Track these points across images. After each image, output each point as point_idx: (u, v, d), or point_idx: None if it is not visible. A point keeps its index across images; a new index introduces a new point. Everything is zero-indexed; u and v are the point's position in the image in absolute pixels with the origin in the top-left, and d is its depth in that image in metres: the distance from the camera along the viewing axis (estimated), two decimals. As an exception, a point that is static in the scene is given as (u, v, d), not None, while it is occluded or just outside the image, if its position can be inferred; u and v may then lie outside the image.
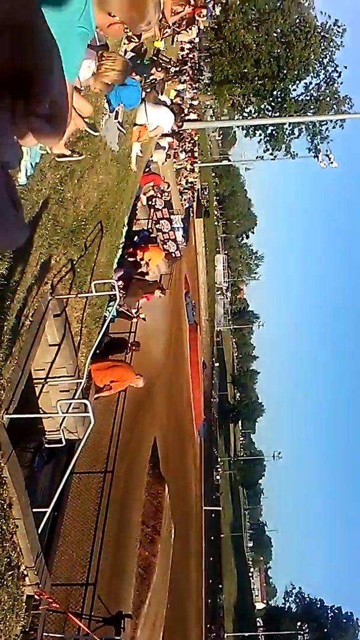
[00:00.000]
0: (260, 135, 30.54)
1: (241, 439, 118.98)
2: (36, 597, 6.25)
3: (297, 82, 29.29)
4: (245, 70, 28.65)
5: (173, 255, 21.31)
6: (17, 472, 5.77)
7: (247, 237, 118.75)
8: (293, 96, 29.36)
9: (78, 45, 2.52)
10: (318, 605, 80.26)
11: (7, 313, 5.28)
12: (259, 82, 29.01)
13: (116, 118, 9.55)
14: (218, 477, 69.85)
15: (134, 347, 11.58)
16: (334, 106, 28.89)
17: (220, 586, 56.02)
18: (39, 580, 6.12)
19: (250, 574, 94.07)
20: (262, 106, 30.23)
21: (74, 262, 7.69)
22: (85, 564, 10.71)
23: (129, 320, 12.77)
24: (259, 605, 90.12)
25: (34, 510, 6.11)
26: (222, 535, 66.27)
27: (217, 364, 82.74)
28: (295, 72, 28.32)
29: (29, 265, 5.85)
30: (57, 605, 7.10)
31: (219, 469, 73.16)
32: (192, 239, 44.54)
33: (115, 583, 13.46)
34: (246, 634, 65.50)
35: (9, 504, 5.57)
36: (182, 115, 14.98)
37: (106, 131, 8.97)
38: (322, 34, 28.13)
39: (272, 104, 29.91)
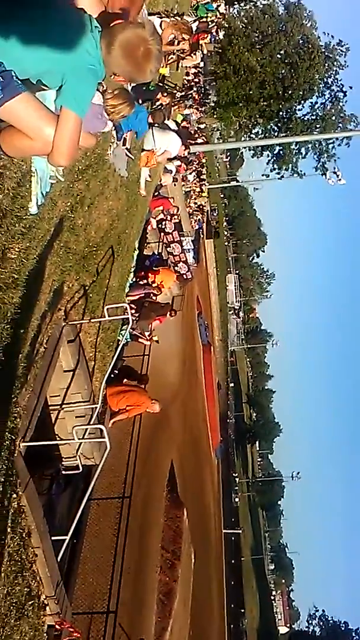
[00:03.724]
0: (267, 155, 30.69)
1: (259, 459, 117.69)
2: (57, 626, 6.18)
3: (303, 102, 29.40)
4: (251, 92, 28.86)
5: (184, 276, 21.35)
6: (35, 500, 5.75)
7: (258, 256, 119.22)
8: (299, 116, 29.48)
9: (88, 79, 2.64)
10: (342, 628, 78.34)
11: (22, 341, 5.31)
12: (265, 103, 29.20)
13: (124, 145, 9.67)
14: (237, 500, 68.92)
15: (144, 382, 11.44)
16: (340, 124, 28.99)
17: (242, 610, 54.91)
18: (59, 609, 6.06)
19: (272, 597, 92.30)
20: (269, 126, 30.41)
21: (87, 288, 7.74)
22: (105, 592, 10.58)
23: (142, 343, 12.79)
24: (283, 629, 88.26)
25: (52, 538, 6.07)
26: (242, 559, 65.17)
27: (232, 384, 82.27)
28: (301, 92, 28.46)
29: (42, 293, 5.89)
30: (79, 635, 7.00)
31: (238, 491, 72.24)
32: (203, 259, 44.63)
33: (136, 610, 13.28)
34: (271, 660, 64.05)
35: (28, 533, 5.53)
36: (191, 138, 15.13)
37: (114, 158, 9.07)
38: (325, 53, 28.33)
39: (279, 124, 30.05)
